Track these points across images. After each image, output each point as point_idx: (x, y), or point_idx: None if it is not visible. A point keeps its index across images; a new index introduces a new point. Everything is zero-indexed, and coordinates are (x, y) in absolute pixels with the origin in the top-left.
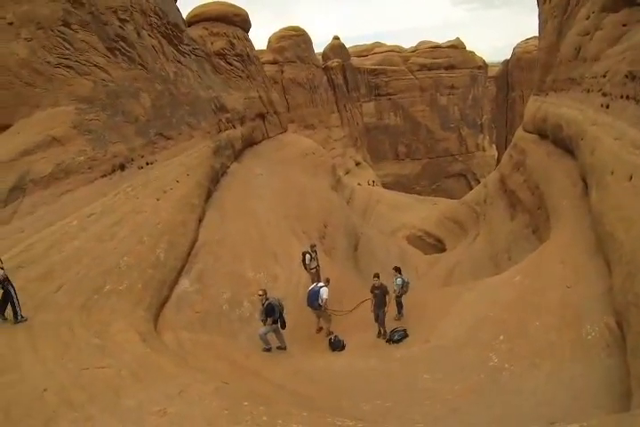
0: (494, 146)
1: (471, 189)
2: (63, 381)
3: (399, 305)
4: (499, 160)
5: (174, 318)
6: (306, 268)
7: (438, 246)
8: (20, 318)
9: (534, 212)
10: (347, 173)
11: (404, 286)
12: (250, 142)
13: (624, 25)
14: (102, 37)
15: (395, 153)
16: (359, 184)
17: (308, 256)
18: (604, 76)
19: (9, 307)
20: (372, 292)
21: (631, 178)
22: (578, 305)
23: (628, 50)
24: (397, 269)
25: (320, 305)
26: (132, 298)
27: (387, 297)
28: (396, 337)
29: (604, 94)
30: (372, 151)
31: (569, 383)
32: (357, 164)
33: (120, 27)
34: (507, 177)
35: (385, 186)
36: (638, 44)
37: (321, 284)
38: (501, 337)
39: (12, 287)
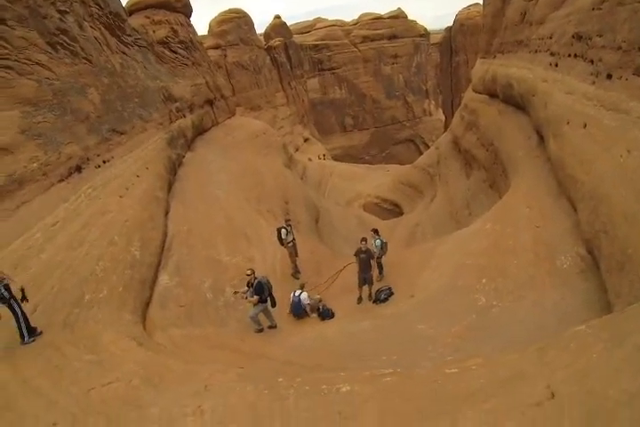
0: (440, 110)
1: (420, 153)
2: (71, 409)
3: (379, 266)
4: (446, 123)
5: (161, 316)
6: (282, 243)
7: (395, 211)
8: (26, 339)
9: (490, 167)
10: (296, 149)
11: (384, 247)
12: (200, 130)
13: None
14: (42, 32)
15: (342, 125)
16: (310, 159)
17: (283, 231)
18: (551, 38)
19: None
20: (356, 255)
21: (585, 126)
22: (549, 241)
23: (573, 13)
24: (375, 231)
25: (306, 312)
26: (115, 304)
27: (372, 261)
28: (383, 296)
29: (552, 54)
30: (319, 126)
31: (553, 309)
32: (306, 140)
33: (60, 19)
34: (460, 137)
35: (335, 159)
36: (582, 7)
37: (297, 291)
38: (484, 280)
39: (17, 304)
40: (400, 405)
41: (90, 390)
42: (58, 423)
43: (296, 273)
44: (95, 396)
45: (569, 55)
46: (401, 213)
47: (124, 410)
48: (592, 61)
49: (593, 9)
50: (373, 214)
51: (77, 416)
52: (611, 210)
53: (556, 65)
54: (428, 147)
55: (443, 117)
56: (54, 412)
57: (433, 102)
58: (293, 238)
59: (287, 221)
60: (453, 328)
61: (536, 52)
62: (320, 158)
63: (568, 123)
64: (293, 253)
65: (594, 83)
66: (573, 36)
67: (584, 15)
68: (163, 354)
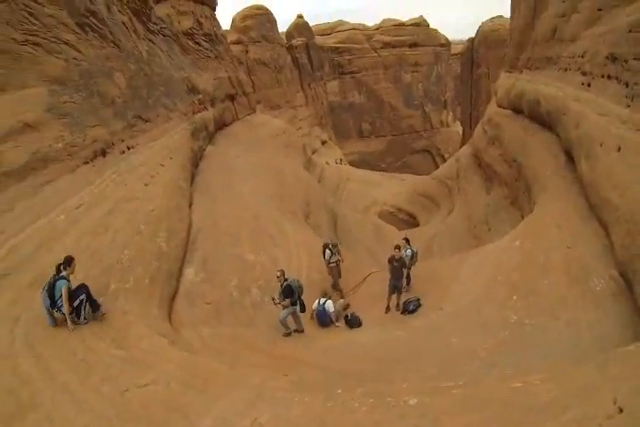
0: (458, 122)
1: (436, 164)
2: (105, 412)
3: (407, 277)
4: (464, 135)
5: (188, 312)
6: (327, 263)
7: (411, 222)
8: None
9: (512, 183)
10: (314, 152)
11: (414, 257)
12: (221, 124)
13: (599, 9)
14: (72, 12)
15: (359, 131)
16: (327, 163)
17: (328, 252)
18: (583, 57)
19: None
20: (389, 262)
21: (620, 149)
22: (581, 262)
23: (608, 33)
24: (407, 240)
25: (331, 320)
26: (142, 296)
27: (404, 270)
28: (412, 307)
29: (584, 73)
30: (336, 130)
31: (587, 329)
32: (324, 143)
33: (90, 1)
34: (481, 151)
35: (351, 164)
36: (618, 28)
37: (322, 299)
38: (515, 297)
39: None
40: (477, 417)
41: (125, 392)
42: None
43: (336, 285)
44: (131, 398)
45: (602, 76)
46: (416, 224)
47: (171, 418)
48: (627, 84)
49: (630, 31)
50: (389, 223)
51: (113, 421)
52: None
53: (589, 85)
54: (443, 158)
55: (460, 129)
56: (86, 414)
57: (451, 114)
58: (338, 260)
59: (335, 245)
60: (486, 343)
61: (566, 70)
62: (337, 163)
63: (601, 145)
64: (336, 274)
65: (629, 106)
66: (607, 57)
67: (620, 36)
68: (200, 355)
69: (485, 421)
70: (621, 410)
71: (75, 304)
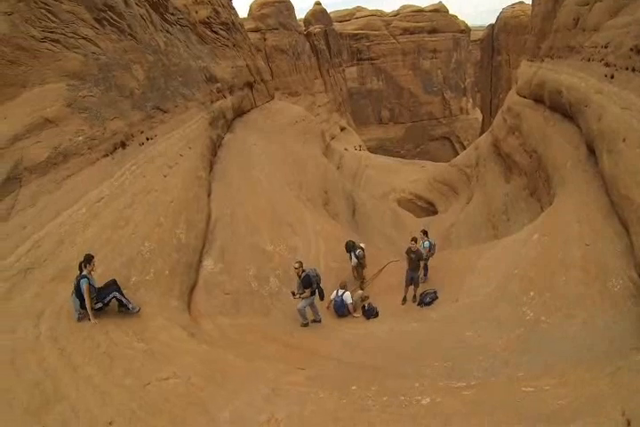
0: (477, 109)
1: (455, 151)
2: (129, 404)
3: (425, 268)
4: (484, 123)
5: (206, 303)
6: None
7: (430, 209)
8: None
9: (532, 174)
10: (332, 138)
11: (432, 249)
12: (239, 112)
13: None
14: (89, 8)
15: (378, 117)
16: (346, 149)
17: (354, 259)
18: (606, 47)
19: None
20: (407, 254)
21: None
22: (600, 261)
23: (632, 24)
24: (425, 233)
25: (349, 311)
26: (162, 288)
27: (420, 262)
28: (428, 300)
29: (607, 64)
30: (355, 116)
31: (603, 330)
32: (342, 129)
33: None
34: (501, 140)
35: (369, 150)
36: None
37: (340, 291)
38: (531, 293)
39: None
40: (487, 420)
41: (147, 385)
42: (115, 421)
43: (358, 276)
44: (153, 392)
45: (626, 68)
46: (435, 212)
47: (191, 412)
48: None
49: None
50: (407, 210)
51: (137, 414)
52: None
53: (612, 77)
54: (463, 145)
55: (479, 117)
56: (110, 407)
57: (470, 101)
58: (359, 262)
59: (360, 255)
60: (501, 339)
61: (589, 60)
62: (356, 149)
63: (624, 140)
64: (360, 269)
65: None
66: (632, 49)
67: None
68: (218, 347)
69: (495, 424)
70: (629, 423)
71: (105, 301)
